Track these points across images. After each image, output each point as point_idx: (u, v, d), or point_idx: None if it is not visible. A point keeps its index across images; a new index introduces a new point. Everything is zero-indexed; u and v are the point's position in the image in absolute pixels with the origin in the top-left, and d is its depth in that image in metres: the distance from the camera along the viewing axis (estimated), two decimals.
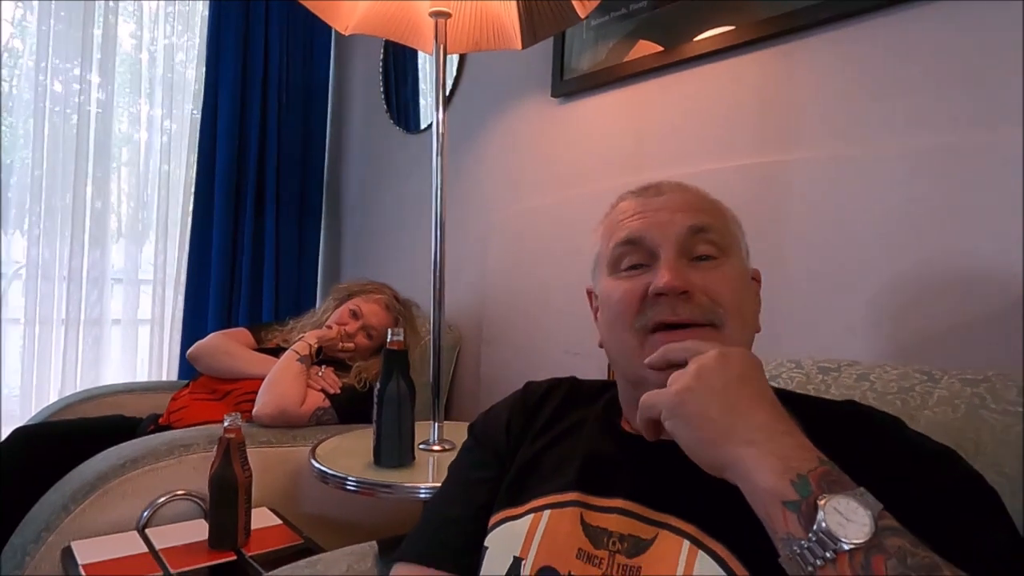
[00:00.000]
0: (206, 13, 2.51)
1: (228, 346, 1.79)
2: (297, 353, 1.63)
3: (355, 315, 1.81)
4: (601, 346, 0.72)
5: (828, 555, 0.44)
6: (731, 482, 0.51)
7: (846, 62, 1.18)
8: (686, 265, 0.64)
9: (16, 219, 2.21)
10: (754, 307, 0.71)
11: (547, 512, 0.64)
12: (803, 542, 0.45)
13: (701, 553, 0.55)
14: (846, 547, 0.43)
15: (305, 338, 1.69)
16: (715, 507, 0.57)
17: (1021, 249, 0.95)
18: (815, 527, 0.44)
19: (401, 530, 0.77)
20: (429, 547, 0.71)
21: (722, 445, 0.51)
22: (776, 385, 0.66)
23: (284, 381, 1.58)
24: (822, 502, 0.45)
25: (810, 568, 0.44)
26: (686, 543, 0.56)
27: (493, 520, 0.68)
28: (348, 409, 1.64)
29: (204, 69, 2.49)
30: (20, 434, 1.60)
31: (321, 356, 1.73)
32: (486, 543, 0.67)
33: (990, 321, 0.98)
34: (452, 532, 0.71)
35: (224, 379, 1.74)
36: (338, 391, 1.65)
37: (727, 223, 0.70)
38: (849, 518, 0.44)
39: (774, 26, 1.26)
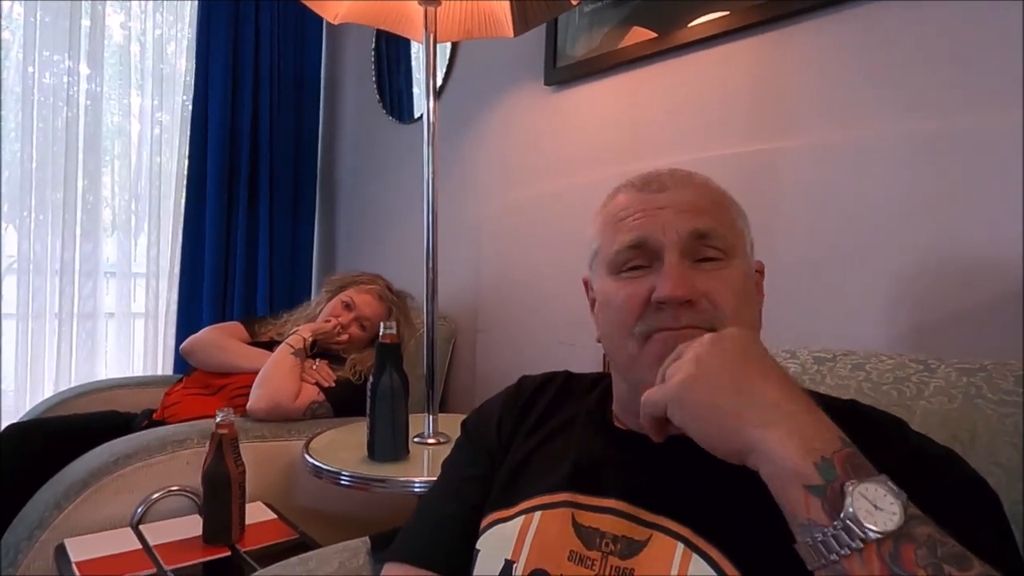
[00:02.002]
0: (196, 3, 2.48)
1: (221, 340, 1.78)
2: (291, 347, 1.62)
3: (348, 307, 1.81)
4: (599, 341, 0.70)
5: (855, 544, 0.41)
6: (752, 468, 0.48)
7: (841, 47, 1.16)
8: (689, 268, 0.61)
9: (7, 213, 2.19)
10: (756, 307, 0.67)
11: (538, 513, 0.63)
12: (827, 530, 0.42)
13: (695, 556, 0.54)
14: (874, 536, 0.41)
15: (299, 331, 1.68)
16: (710, 509, 0.56)
17: (1021, 236, 0.93)
18: (842, 514, 0.42)
19: (397, 523, 0.76)
20: (421, 547, 0.70)
21: (736, 431, 0.48)
22: None
23: (278, 375, 1.57)
24: (850, 488, 0.42)
25: (832, 557, 0.42)
26: (680, 546, 0.55)
27: (485, 522, 0.67)
28: (343, 402, 1.63)
29: (195, 60, 2.46)
30: (13, 431, 1.59)
31: (315, 350, 1.72)
32: (478, 546, 0.66)
33: (989, 309, 0.97)
34: (444, 531, 0.70)
35: (218, 373, 1.73)
36: (332, 384, 1.64)
37: (733, 220, 0.66)
38: (878, 506, 0.42)
39: (768, 11, 1.24)
